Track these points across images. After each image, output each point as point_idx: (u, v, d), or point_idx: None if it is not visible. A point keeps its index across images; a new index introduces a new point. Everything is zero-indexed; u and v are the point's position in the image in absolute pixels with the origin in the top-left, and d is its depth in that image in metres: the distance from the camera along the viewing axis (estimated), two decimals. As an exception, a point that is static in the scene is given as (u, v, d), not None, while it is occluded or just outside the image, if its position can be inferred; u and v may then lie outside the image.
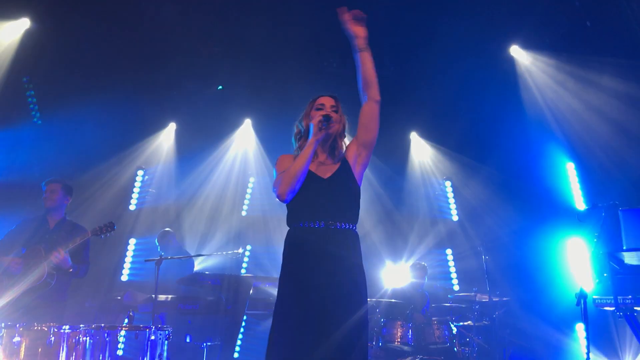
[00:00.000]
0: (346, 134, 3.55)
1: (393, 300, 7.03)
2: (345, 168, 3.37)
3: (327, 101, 3.44)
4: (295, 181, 3.16)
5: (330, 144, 3.43)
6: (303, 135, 3.43)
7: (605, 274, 4.55)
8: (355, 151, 3.43)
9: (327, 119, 3.27)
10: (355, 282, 3.18)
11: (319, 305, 3.06)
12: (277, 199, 3.23)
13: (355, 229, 3.32)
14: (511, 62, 8.25)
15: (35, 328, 4.07)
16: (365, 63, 3.35)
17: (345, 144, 3.48)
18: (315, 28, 7.65)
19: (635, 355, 6.93)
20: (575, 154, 8.40)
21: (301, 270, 3.16)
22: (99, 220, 6.41)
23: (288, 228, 3.35)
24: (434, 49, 7.91)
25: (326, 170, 3.35)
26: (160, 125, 9.16)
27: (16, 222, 5.62)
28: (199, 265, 8.01)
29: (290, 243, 3.29)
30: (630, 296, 4.34)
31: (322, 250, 3.15)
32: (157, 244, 7.67)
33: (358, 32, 3.33)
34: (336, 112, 3.41)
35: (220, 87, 8.79)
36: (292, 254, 3.25)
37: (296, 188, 3.18)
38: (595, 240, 4.41)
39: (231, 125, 9.32)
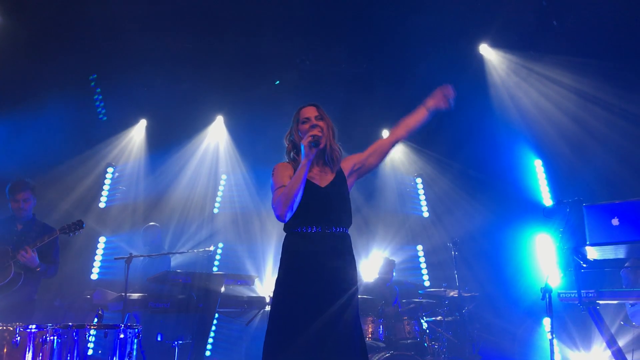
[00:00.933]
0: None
1: (365, 296, 7.06)
2: (340, 177, 3.53)
3: (311, 112, 3.52)
4: (292, 203, 3.27)
5: (326, 152, 3.51)
6: (298, 150, 3.48)
7: (570, 269, 4.63)
8: (353, 165, 3.64)
9: (316, 143, 3.32)
10: (351, 280, 3.39)
11: (323, 301, 3.25)
12: (277, 219, 3.35)
13: (348, 231, 3.49)
14: (480, 60, 8.36)
15: (0, 328, 4.00)
16: (419, 117, 3.76)
17: (339, 148, 3.57)
18: (288, 23, 7.65)
19: (601, 348, 7.08)
20: (543, 151, 8.55)
21: (302, 272, 3.32)
22: (68, 217, 6.32)
23: (285, 233, 3.49)
24: (406, 46, 7.99)
25: (323, 179, 3.48)
26: (130, 122, 9.05)
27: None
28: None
29: (287, 248, 3.43)
30: (593, 290, 4.43)
31: (318, 253, 3.32)
32: (142, 236, 7.64)
33: (439, 103, 3.77)
34: (321, 119, 3.50)
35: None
36: (290, 258, 3.39)
37: (294, 208, 3.30)
38: (560, 235, 4.48)
39: (203, 122, 9.24)
